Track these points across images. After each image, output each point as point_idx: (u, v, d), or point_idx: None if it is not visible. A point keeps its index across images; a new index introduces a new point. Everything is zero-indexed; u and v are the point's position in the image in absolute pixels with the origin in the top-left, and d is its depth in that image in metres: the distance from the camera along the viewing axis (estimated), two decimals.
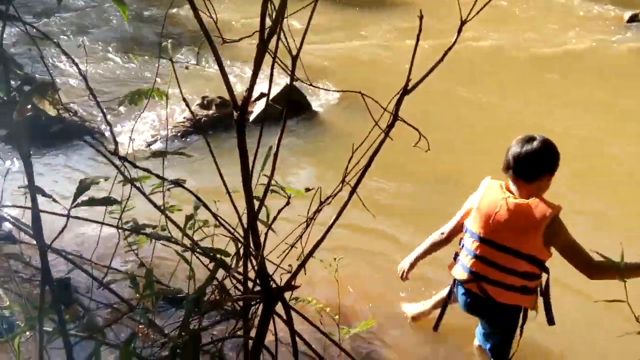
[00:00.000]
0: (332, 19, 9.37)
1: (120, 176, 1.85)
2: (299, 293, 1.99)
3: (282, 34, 1.33)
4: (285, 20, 1.32)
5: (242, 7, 9.16)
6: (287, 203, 1.54)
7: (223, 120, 6.10)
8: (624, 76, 7.76)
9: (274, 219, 1.53)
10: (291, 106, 6.15)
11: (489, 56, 8.30)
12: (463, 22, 1.49)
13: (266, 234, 1.53)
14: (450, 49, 1.48)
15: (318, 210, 1.57)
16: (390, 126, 1.46)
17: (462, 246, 2.88)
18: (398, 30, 9.15)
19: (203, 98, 6.30)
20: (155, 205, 1.91)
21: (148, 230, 1.94)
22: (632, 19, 9.70)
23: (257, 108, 6.31)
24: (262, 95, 5.99)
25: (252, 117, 6.19)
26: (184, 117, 6.21)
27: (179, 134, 6.02)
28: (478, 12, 1.50)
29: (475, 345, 3.20)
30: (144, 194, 1.90)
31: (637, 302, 1.62)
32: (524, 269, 2.68)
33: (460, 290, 2.91)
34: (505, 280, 2.71)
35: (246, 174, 1.38)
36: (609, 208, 4.81)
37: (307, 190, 1.58)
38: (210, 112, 6.20)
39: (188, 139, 5.99)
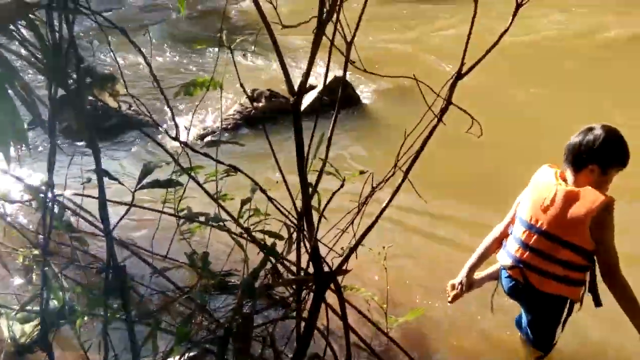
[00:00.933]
0: (377, 12, 9.34)
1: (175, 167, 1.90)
2: (346, 281, 2.01)
3: (337, 19, 1.35)
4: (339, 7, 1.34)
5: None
6: (342, 185, 1.56)
7: (272, 114, 6.16)
8: None
9: (329, 200, 1.55)
10: (341, 98, 6.17)
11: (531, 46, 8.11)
12: (519, 5, 1.47)
13: (319, 218, 1.56)
14: (505, 32, 1.47)
15: (370, 195, 1.58)
16: (443, 111, 1.46)
17: (511, 232, 2.84)
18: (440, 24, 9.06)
19: (253, 91, 6.38)
20: (208, 194, 1.96)
21: (202, 219, 1.99)
22: None
23: (306, 100, 6.34)
24: (311, 87, 6.02)
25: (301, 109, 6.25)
26: (234, 110, 6.31)
27: (229, 127, 6.12)
28: None
29: (519, 334, 3.14)
30: (197, 182, 1.96)
31: None
32: (568, 258, 2.61)
33: (504, 274, 2.88)
34: (548, 268, 2.66)
35: (301, 156, 1.40)
36: None
37: (362, 172, 1.60)
38: (260, 104, 6.28)
39: (238, 132, 6.08)
